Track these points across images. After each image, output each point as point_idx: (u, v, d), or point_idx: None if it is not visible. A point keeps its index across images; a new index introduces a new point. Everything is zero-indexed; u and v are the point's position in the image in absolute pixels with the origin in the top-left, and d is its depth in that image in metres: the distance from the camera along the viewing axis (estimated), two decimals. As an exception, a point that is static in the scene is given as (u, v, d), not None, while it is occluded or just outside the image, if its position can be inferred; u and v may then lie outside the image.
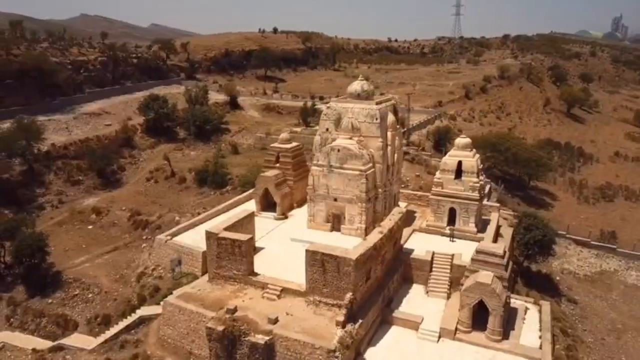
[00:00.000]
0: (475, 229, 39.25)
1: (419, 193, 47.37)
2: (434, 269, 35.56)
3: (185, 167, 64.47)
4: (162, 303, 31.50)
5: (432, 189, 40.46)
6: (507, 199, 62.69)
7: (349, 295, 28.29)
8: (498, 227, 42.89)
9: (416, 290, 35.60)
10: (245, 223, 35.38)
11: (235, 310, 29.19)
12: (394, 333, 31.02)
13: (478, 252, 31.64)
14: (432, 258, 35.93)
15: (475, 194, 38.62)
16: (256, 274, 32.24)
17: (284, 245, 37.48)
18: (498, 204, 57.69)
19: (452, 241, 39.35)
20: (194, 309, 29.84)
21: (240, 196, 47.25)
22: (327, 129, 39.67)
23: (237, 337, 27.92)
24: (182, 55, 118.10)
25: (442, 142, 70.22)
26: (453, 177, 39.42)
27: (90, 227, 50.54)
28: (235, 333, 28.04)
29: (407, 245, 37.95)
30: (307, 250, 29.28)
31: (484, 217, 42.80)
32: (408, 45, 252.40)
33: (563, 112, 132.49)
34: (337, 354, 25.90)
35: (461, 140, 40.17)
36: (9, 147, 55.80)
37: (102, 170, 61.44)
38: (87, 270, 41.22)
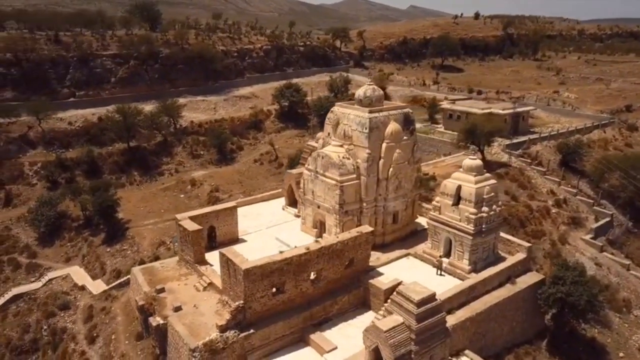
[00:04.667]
0: (468, 267, 33.46)
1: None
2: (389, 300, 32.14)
3: (290, 153, 69.00)
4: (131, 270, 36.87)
5: (429, 213, 35.74)
6: (628, 240, 49.17)
7: (237, 303, 28.62)
8: (524, 271, 35.43)
9: (370, 318, 32.83)
10: (223, 215, 37.95)
11: (161, 290, 32.59)
12: (301, 354, 29.86)
13: (397, 292, 27.85)
14: (394, 288, 32.42)
15: (470, 227, 32.74)
16: (206, 264, 34.77)
17: (266, 244, 38.47)
18: (602, 243, 46.77)
19: (440, 275, 34.46)
20: (140, 281, 34.26)
21: (279, 190, 49.32)
22: (329, 134, 38.60)
23: (149, 314, 31.39)
24: (358, 43, 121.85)
25: (571, 157, 58.07)
26: (451, 203, 34.09)
27: (182, 196, 59.70)
28: (150, 311, 31.52)
29: (383, 269, 34.95)
30: (219, 252, 30.46)
31: (503, 254, 35.86)
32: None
33: None
34: (195, 354, 26.96)
35: (468, 161, 34.13)
36: (153, 123, 68.95)
37: (222, 148, 70.47)
38: (145, 231, 49.60)
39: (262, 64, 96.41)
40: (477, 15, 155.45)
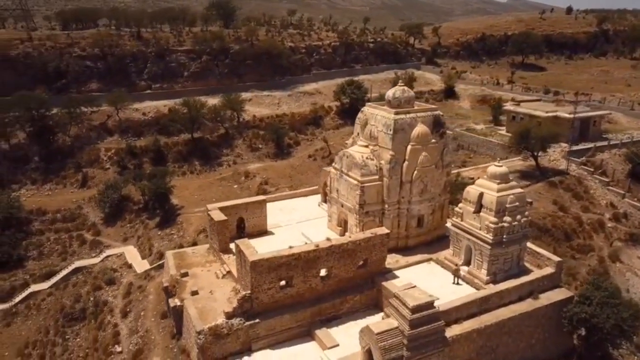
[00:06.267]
0: (486, 277, 32.30)
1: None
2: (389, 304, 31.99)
3: (344, 150, 69.61)
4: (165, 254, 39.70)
5: (452, 219, 34.83)
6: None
7: (244, 293, 30.05)
8: (552, 287, 33.44)
9: (379, 319, 32.91)
10: (252, 207, 39.57)
11: (185, 275, 34.93)
12: (304, 348, 30.76)
13: (395, 296, 27.73)
14: (406, 292, 32.22)
15: (489, 236, 31.55)
16: (229, 252, 36.59)
17: (291, 238, 39.45)
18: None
19: (456, 283, 33.58)
20: (170, 264, 36.89)
21: (316, 186, 50.19)
22: (358, 134, 38.81)
23: (171, 295, 33.83)
24: (433, 40, 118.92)
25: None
26: (473, 210, 33.03)
27: (235, 186, 62.60)
28: (172, 292, 33.96)
29: (400, 272, 34.75)
30: (234, 242, 32.06)
31: (531, 267, 34.06)
32: None
33: None
34: (201, 336, 28.79)
35: (492, 168, 32.76)
36: (217, 116, 72.77)
37: (279, 142, 72.66)
38: (193, 218, 52.77)
39: (329, 60, 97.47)
40: (569, 10, 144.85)
